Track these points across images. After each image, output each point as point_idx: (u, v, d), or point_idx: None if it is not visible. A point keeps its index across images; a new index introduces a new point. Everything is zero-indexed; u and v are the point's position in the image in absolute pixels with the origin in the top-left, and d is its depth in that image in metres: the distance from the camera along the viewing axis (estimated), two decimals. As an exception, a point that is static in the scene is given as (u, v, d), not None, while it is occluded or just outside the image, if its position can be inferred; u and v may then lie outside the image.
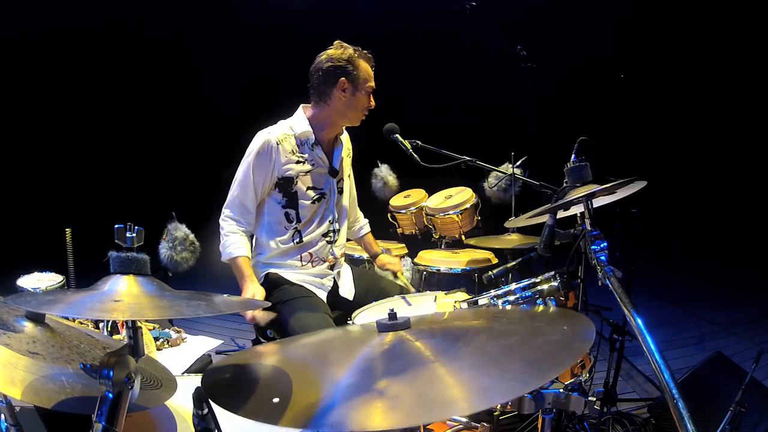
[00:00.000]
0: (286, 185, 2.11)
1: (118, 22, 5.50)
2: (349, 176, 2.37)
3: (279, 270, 2.17)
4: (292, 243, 2.16)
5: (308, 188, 2.14)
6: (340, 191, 2.28)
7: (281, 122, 2.16)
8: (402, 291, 2.30)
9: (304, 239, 2.17)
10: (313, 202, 2.16)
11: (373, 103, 2.16)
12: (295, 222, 2.15)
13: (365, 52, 2.14)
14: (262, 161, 2.06)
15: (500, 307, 1.57)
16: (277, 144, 2.06)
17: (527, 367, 0.84)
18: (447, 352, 0.94)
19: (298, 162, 2.11)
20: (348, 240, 2.49)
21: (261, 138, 2.08)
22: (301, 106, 2.19)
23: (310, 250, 2.18)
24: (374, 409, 0.78)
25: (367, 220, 2.60)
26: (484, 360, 0.90)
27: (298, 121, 2.14)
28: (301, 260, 2.17)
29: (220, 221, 2.13)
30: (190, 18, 5.66)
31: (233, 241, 2.08)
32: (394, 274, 2.46)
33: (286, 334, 1.99)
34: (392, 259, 2.55)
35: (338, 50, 2.08)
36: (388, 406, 0.78)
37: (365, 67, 2.11)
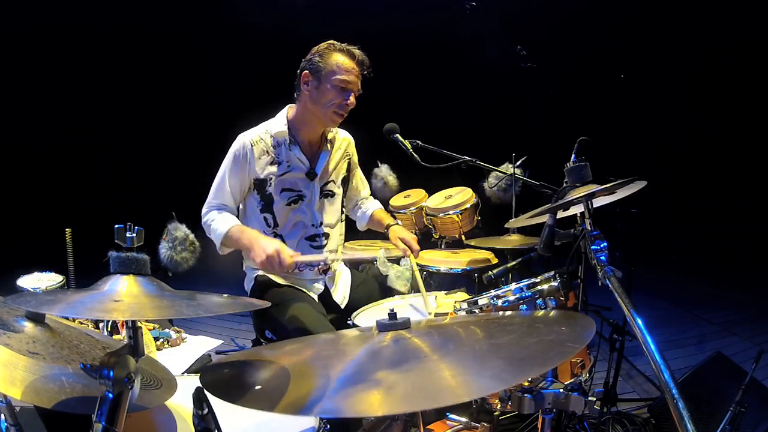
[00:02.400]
0: (261, 187, 2.08)
1: (118, 22, 5.50)
2: (345, 179, 2.28)
3: (267, 272, 2.15)
4: None
5: (283, 190, 2.09)
6: (327, 195, 2.19)
7: (261, 124, 2.13)
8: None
9: (287, 243, 2.09)
10: (288, 204, 2.10)
11: (351, 101, 1.99)
12: (273, 227, 2.11)
13: (346, 45, 2.00)
14: (236, 165, 2.05)
15: (501, 314, 1.57)
16: (252, 146, 2.04)
17: (510, 364, 0.85)
18: (441, 348, 0.96)
19: (272, 163, 2.07)
20: (348, 240, 2.44)
21: (237, 141, 2.07)
22: (287, 106, 2.15)
23: None
24: (368, 396, 0.80)
25: (374, 200, 2.47)
26: (471, 356, 0.92)
27: (276, 122, 2.11)
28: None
29: (203, 219, 2.10)
30: (190, 17, 5.66)
31: (222, 218, 2.03)
32: (400, 259, 2.20)
33: (283, 335, 1.99)
34: (408, 234, 2.20)
35: (316, 47, 2.04)
36: (381, 394, 0.80)
37: (336, 60, 1.96)
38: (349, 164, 2.31)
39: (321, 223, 2.17)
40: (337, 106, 1.98)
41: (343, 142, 2.27)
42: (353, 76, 1.98)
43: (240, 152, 2.05)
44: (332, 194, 2.22)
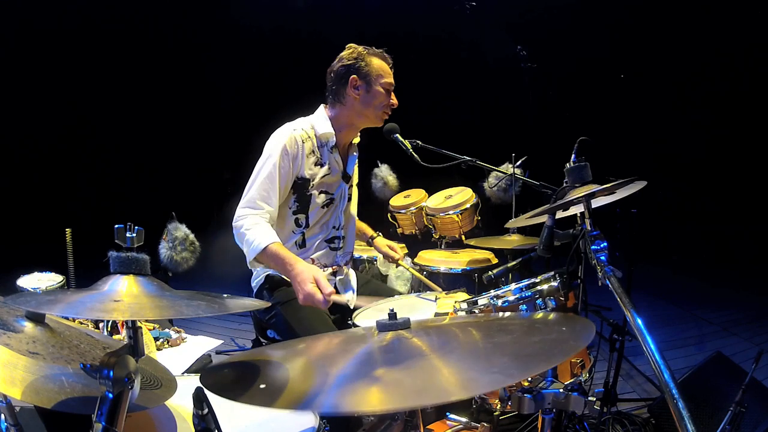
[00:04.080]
0: (302, 187, 2.05)
1: (120, 23, 5.51)
2: (357, 183, 2.36)
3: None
4: (295, 246, 2.12)
5: (321, 192, 2.10)
6: (349, 198, 2.24)
7: (302, 119, 2.10)
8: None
9: (308, 244, 2.13)
10: (323, 207, 2.11)
11: (394, 101, 2.11)
12: (303, 227, 2.11)
13: (379, 50, 2.11)
14: (288, 159, 1.98)
15: (501, 315, 1.57)
16: (303, 142, 2.01)
17: (515, 361, 0.86)
18: (442, 348, 0.96)
19: (316, 164, 2.06)
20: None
21: (284, 135, 2.00)
22: (321, 106, 2.15)
23: (312, 256, 2.14)
24: (367, 393, 0.81)
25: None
26: (473, 354, 0.93)
27: (320, 122, 2.08)
28: None
29: (237, 221, 1.93)
30: (192, 19, 5.66)
31: (260, 231, 1.87)
32: (396, 263, 2.46)
33: (287, 334, 1.99)
34: (391, 243, 2.51)
35: (348, 51, 2.09)
36: (380, 391, 0.80)
37: (378, 63, 2.07)
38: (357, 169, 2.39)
39: (342, 226, 2.21)
40: (386, 106, 2.10)
41: (357, 147, 2.31)
42: (392, 78, 2.12)
43: (292, 147, 1.98)
44: (350, 197, 2.26)
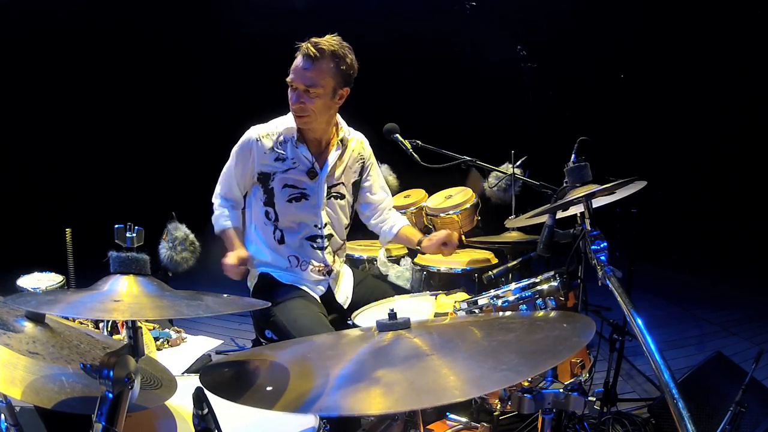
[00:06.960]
0: (265, 181, 2.10)
1: (120, 24, 5.51)
2: (355, 183, 2.25)
3: (271, 270, 2.16)
4: (275, 241, 2.15)
5: (284, 186, 2.09)
6: (336, 196, 2.18)
7: (273, 120, 2.15)
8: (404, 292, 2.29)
9: (286, 240, 2.14)
10: (289, 201, 2.10)
11: (293, 100, 1.99)
12: (273, 220, 2.13)
13: (315, 38, 1.95)
14: (241, 156, 2.10)
15: (501, 314, 1.57)
16: (257, 140, 2.06)
17: (522, 358, 0.85)
18: (444, 347, 0.96)
19: (276, 159, 2.08)
20: (349, 240, 2.44)
21: (246, 134, 2.11)
22: None
23: (295, 254, 2.15)
24: (368, 395, 0.81)
25: (399, 214, 2.44)
26: (479, 353, 0.92)
27: (287, 118, 2.11)
28: (289, 263, 2.15)
29: (213, 203, 2.25)
30: (191, 21, 5.67)
31: (220, 214, 2.21)
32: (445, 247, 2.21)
33: (283, 335, 1.99)
34: (436, 235, 2.25)
35: None
36: (381, 393, 0.80)
37: (295, 61, 1.98)
38: (362, 167, 2.27)
39: (324, 225, 2.16)
40: (290, 105, 2.03)
41: (356, 143, 2.23)
42: (294, 74, 1.96)
43: (246, 145, 2.09)
44: (341, 197, 2.20)
